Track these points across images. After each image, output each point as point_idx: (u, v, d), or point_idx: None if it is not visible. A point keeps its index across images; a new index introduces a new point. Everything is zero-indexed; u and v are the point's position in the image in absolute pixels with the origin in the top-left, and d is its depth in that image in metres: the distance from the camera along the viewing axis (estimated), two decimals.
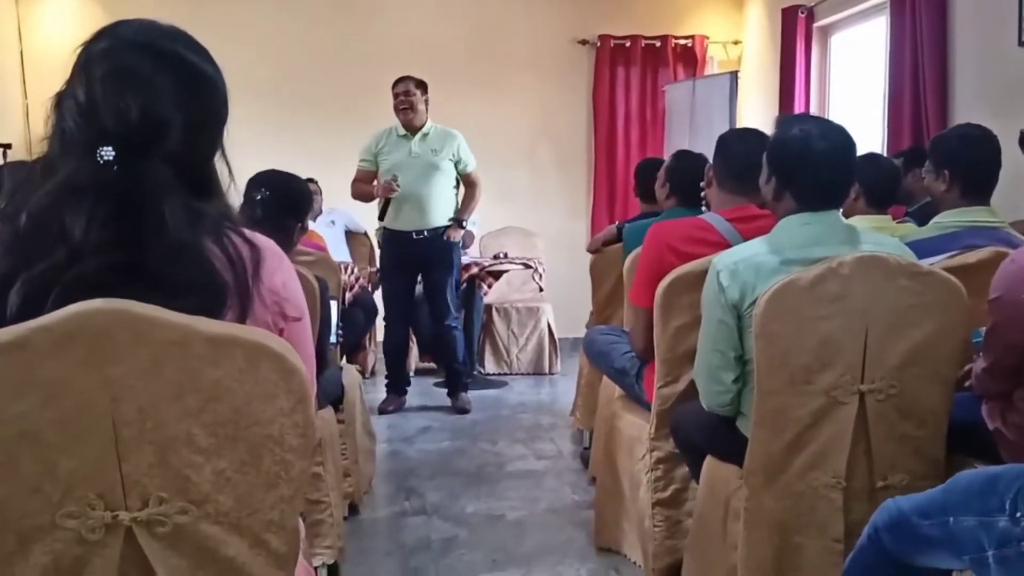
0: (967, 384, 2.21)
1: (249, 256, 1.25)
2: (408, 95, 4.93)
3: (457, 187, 5.11)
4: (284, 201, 2.89)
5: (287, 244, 2.91)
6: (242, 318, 1.23)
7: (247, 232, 1.28)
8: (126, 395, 1.14)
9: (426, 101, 5.00)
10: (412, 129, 4.99)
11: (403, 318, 5.24)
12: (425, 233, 5.00)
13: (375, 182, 5.03)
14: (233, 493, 1.20)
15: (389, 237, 5.11)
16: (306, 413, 1.22)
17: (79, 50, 1.23)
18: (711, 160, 2.85)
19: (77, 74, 1.21)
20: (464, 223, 5.09)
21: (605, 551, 3.11)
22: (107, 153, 1.16)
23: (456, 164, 5.02)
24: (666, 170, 3.67)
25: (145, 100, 1.19)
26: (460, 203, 5.11)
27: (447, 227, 5.02)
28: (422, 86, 5.00)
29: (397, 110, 4.97)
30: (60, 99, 1.22)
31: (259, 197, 2.81)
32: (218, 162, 1.31)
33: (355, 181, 5.13)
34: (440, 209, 5.01)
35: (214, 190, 1.29)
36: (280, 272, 1.30)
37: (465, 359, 5.39)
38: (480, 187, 5.13)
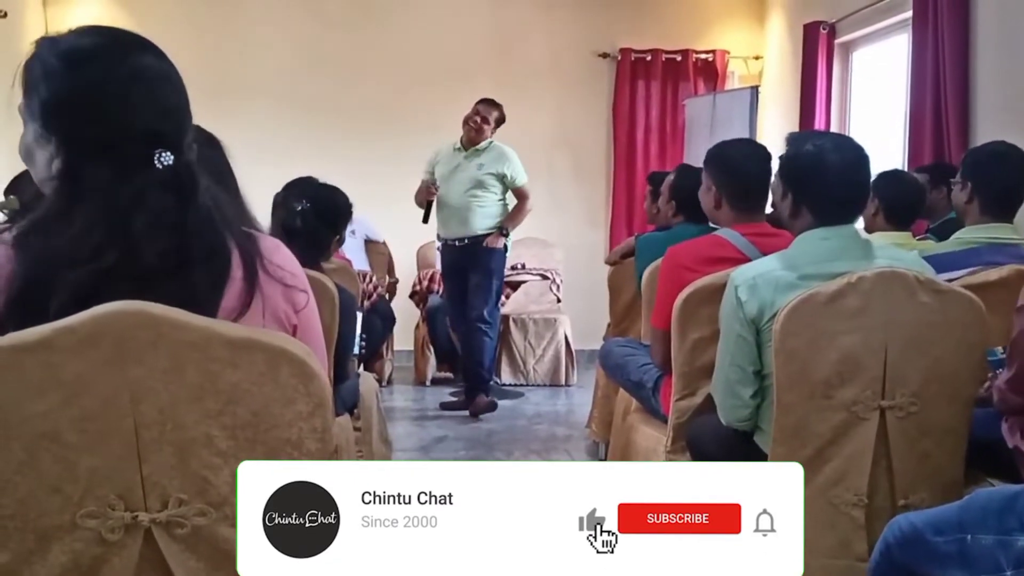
0: (985, 391, 2.18)
1: (247, 240, 1.31)
2: (484, 120, 5.20)
3: (504, 200, 5.29)
4: (324, 215, 2.93)
5: (321, 255, 2.93)
6: (250, 289, 1.26)
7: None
8: (147, 396, 1.15)
9: (495, 130, 5.26)
10: (470, 145, 5.23)
11: (461, 322, 5.45)
12: (467, 241, 5.23)
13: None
14: None
15: (443, 246, 5.46)
16: (324, 418, 1.23)
17: (48, 66, 1.25)
18: (715, 175, 2.80)
19: (75, 89, 1.23)
20: (506, 232, 5.25)
21: None
22: (166, 158, 1.23)
23: (503, 179, 5.21)
24: (670, 187, 3.66)
25: (162, 99, 1.26)
26: (508, 214, 5.29)
27: (489, 234, 5.19)
28: (501, 121, 5.28)
29: (466, 121, 5.22)
30: (57, 112, 1.23)
31: (299, 208, 2.84)
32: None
33: (417, 192, 5.37)
34: (481, 219, 5.20)
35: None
36: (279, 252, 1.35)
37: (491, 367, 5.45)
38: (529, 200, 5.33)
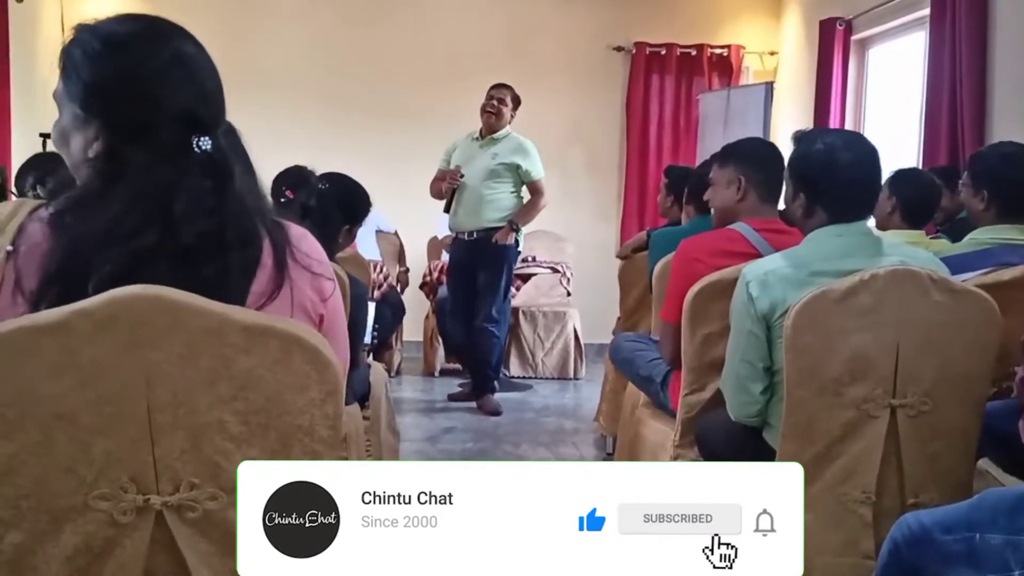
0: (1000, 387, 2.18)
1: (277, 227, 1.33)
2: (501, 102, 5.13)
3: (519, 194, 5.21)
4: (340, 200, 2.98)
5: (330, 241, 2.95)
6: (280, 275, 1.27)
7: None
8: (161, 380, 1.16)
9: (513, 115, 5.20)
10: (488, 133, 5.16)
11: (461, 317, 5.34)
12: (476, 234, 5.12)
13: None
14: None
15: (452, 238, 5.35)
16: (337, 405, 1.24)
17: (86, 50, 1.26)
18: (744, 168, 2.81)
19: (118, 71, 1.25)
20: (517, 227, 5.15)
21: None
22: (204, 143, 1.25)
23: (518, 171, 5.13)
24: (694, 177, 3.68)
25: (200, 84, 1.28)
26: (521, 209, 5.21)
27: (499, 228, 5.10)
28: (517, 101, 5.21)
29: (483, 110, 5.15)
30: (99, 95, 1.25)
31: (320, 186, 2.88)
32: None
33: (433, 180, 5.29)
34: (493, 212, 5.11)
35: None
36: (306, 240, 1.36)
37: (498, 367, 5.42)
38: (543, 197, 5.24)
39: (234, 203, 1.26)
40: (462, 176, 5.07)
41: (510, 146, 5.15)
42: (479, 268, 5.18)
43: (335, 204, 2.96)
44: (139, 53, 1.26)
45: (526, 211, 5.22)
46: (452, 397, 5.46)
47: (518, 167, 5.12)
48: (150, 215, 1.19)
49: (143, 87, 1.24)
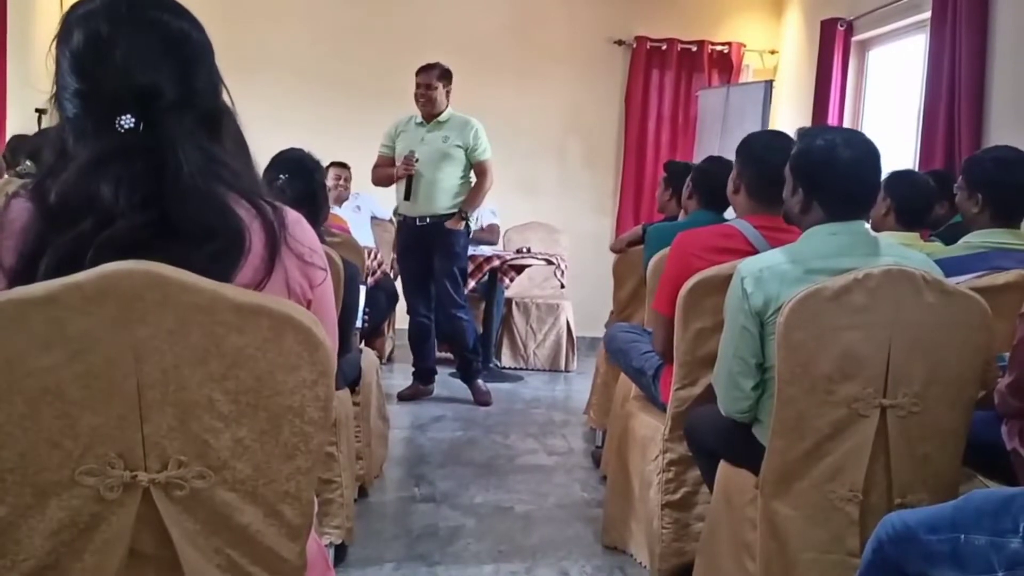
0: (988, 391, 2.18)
1: (273, 212, 1.27)
2: (429, 88, 4.95)
3: (468, 177, 5.07)
4: (302, 174, 2.91)
5: (321, 212, 2.94)
6: (271, 262, 1.24)
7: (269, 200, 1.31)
8: (151, 356, 1.15)
9: (448, 91, 5.01)
10: (429, 118, 5.01)
11: (419, 304, 5.22)
12: (428, 220, 5.01)
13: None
14: (251, 461, 1.21)
15: (401, 223, 5.19)
16: (328, 387, 1.23)
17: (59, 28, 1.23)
18: (737, 161, 2.79)
19: (67, 44, 1.21)
20: (466, 215, 5.05)
21: (611, 549, 3.11)
22: (127, 121, 1.18)
23: (467, 152, 5.00)
24: (696, 171, 3.68)
25: (133, 61, 1.19)
26: (467, 196, 5.07)
27: (452, 214, 5.00)
28: (445, 76, 5.00)
29: (416, 100, 5.01)
30: (57, 80, 1.22)
31: (280, 183, 2.84)
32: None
33: (375, 167, 5.17)
34: (446, 197, 4.99)
35: (223, 129, 1.30)
36: (299, 226, 1.32)
37: (476, 347, 5.35)
38: (490, 178, 5.07)
39: (181, 190, 1.18)
40: (416, 161, 4.90)
41: (458, 127, 5.00)
42: (434, 254, 5.05)
43: (303, 180, 2.90)
44: (93, 23, 1.20)
45: (473, 197, 5.06)
46: (401, 396, 5.25)
47: (468, 147, 4.97)
48: (85, 199, 1.15)
49: (81, 57, 1.19)
